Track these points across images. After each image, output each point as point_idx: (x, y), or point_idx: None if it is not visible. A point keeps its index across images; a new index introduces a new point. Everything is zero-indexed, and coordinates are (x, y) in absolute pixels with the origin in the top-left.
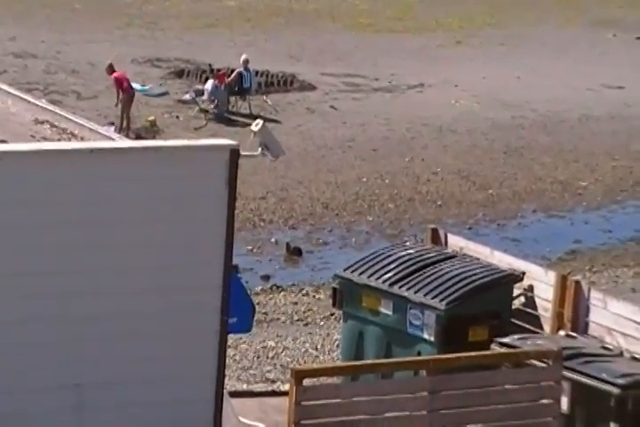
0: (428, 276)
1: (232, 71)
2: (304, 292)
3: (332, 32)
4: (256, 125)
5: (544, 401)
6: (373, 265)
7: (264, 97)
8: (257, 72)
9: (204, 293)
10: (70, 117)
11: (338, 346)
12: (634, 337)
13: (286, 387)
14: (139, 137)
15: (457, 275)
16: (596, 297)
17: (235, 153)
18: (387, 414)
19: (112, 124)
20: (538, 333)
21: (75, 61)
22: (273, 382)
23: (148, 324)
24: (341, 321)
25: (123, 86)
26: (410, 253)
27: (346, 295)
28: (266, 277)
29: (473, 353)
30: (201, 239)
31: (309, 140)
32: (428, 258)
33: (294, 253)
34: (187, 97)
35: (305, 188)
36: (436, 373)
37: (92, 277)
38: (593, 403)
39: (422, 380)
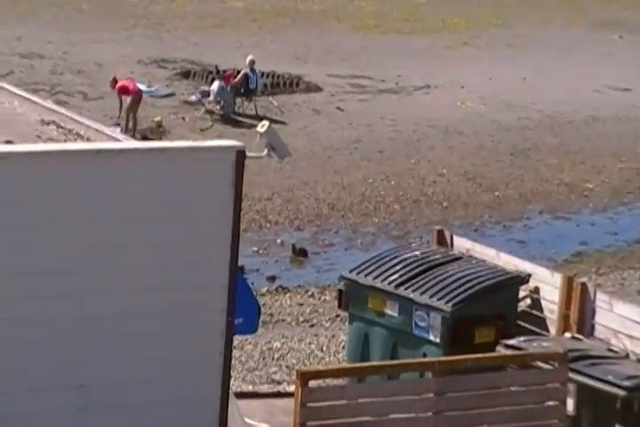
0: (434, 277)
1: (238, 72)
2: (310, 293)
3: (338, 33)
4: (262, 127)
5: (550, 403)
6: (379, 267)
7: (270, 98)
8: (263, 73)
9: (210, 293)
10: (76, 118)
11: (343, 347)
12: None
13: (292, 388)
14: (145, 138)
15: (463, 277)
16: (602, 299)
17: (241, 154)
18: (392, 416)
19: (118, 124)
20: (544, 335)
21: (81, 62)
22: (279, 383)
23: (154, 324)
24: (347, 323)
25: (129, 90)
26: (416, 255)
27: (352, 297)
28: (271, 279)
29: (479, 355)
30: (207, 240)
31: (315, 141)
32: (434, 260)
33: (300, 254)
34: (193, 98)
35: (311, 189)
36: (441, 374)
37: (97, 277)
38: (599, 405)
39: (428, 381)
